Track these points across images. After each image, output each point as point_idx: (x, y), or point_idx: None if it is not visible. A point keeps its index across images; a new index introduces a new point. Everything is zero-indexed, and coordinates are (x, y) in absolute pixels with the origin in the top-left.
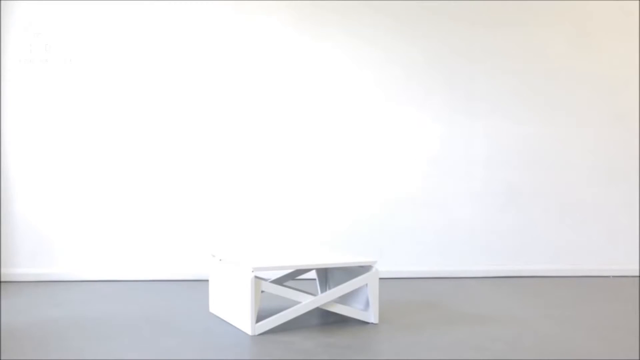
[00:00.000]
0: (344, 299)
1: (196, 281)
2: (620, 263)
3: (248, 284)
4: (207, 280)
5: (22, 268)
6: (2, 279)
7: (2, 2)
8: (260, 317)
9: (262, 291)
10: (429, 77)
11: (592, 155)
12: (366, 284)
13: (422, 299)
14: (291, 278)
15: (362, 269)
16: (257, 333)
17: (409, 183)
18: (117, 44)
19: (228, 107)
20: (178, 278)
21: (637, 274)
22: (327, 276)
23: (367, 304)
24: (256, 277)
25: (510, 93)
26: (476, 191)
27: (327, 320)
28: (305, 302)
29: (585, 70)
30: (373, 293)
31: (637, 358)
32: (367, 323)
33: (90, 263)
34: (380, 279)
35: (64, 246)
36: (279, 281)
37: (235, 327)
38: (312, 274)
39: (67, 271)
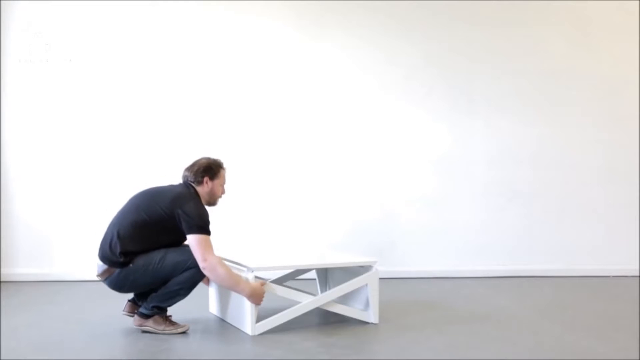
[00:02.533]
0: (344, 299)
1: None
2: (620, 263)
3: None
4: None
5: (22, 268)
6: (2, 279)
7: (2, 2)
8: (260, 317)
9: None
10: (429, 77)
11: (592, 155)
12: (366, 284)
13: (422, 299)
14: (291, 278)
15: (362, 269)
16: (257, 333)
17: (409, 183)
18: (117, 44)
19: (229, 107)
20: None
21: (637, 274)
22: (327, 276)
23: (367, 304)
24: (256, 277)
25: (511, 93)
26: (476, 191)
27: (327, 320)
28: (305, 302)
29: (585, 70)
30: (373, 293)
31: (637, 358)
32: (367, 323)
33: (90, 263)
34: (380, 279)
35: (63, 246)
36: (279, 281)
37: (235, 327)
38: (312, 274)
39: (66, 271)
